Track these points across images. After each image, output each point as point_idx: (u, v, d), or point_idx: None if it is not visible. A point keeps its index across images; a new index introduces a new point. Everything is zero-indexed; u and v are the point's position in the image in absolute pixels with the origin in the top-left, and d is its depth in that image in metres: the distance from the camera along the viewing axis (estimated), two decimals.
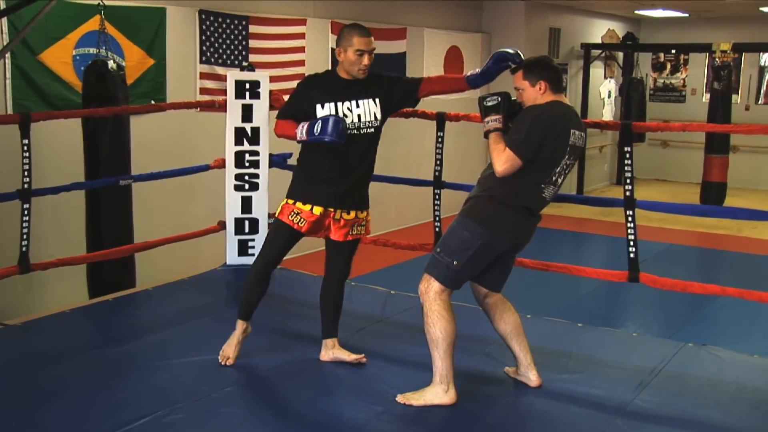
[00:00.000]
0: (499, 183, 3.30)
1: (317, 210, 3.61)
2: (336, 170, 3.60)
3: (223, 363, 3.70)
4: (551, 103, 3.32)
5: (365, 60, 3.54)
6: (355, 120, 3.57)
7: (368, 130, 3.61)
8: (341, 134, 3.46)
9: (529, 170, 3.26)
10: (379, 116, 3.63)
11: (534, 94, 3.35)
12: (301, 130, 3.54)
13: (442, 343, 3.27)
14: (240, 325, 3.77)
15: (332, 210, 3.64)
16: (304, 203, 3.63)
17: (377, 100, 3.62)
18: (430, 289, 3.31)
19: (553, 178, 3.32)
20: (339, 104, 3.56)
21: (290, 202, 3.67)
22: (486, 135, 3.38)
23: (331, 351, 3.80)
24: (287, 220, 3.65)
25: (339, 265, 3.78)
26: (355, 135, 3.58)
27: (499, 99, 3.42)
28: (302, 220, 3.62)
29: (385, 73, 3.74)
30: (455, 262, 3.28)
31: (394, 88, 3.69)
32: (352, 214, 3.69)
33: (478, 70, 3.60)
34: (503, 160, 3.23)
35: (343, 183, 3.62)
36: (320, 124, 3.48)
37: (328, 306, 3.81)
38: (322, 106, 3.57)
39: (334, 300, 3.80)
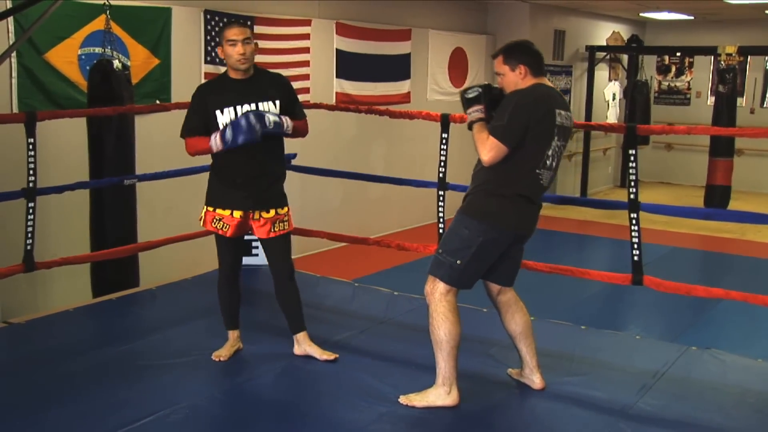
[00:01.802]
0: (493, 175, 3.26)
1: (237, 213, 3.65)
2: (248, 173, 3.62)
3: (216, 360, 3.76)
4: (532, 85, 3.28)
5: (238, 48, 3.54)
6: None
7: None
8: (253, 130, 3.46)
9: (521, 157, 3.21)
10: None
11: (514, 78, 3.31)
12: (215, 141, 3.56)
13: (446, 345, 3.26)
14: (232, 334, 3.86)
15: (251, 212, 3.67)
16: (223, 209, 3.66)
17: (277, 103, 3.64)
18: (436, 290, 3.29)
19: (547, 162, 3.27)
20: (237, 107, 3.58)
21: (210, 209, 3.70)
22: (470, 127, 3.36)
23: (303, 346, 3.83)
24: (212, 227, 3.71)
25: (279, 263, 3.80)
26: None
27: (480, 90, 3.40)
28: (225, 225, 3.67)
29: (290, 84, 3.78)
30: (458, 261, 3.26)
31: (290, 102, 3.73)
32: (272, 212, 3.71)
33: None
34: (488, 149, 3.20)
35: (257, 184, 3.65)
36: (231, 129, 3.49)
37: (285, 303, 3.85)
38: (222, 112, 3.58)
39: (288, 296, 3.83)
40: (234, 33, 3.56)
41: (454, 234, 3.32)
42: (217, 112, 3.58)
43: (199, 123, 3.65)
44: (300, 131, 3.75)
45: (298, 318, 3.84)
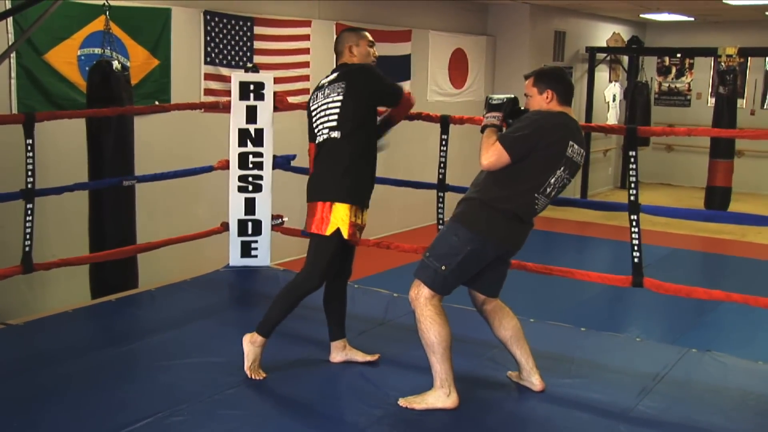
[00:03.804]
0: (492, 186, 3.27)
1: (366, 218, 3.65)
2: (373, 171, 3.69)
3: (259, 378, 3.59)
4: (556, 112, 3.32)
5: (374, 50, 3.75)
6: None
7: None
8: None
9: (522, 176, 3.23)
10: None
11: (540, 102, 3.35)
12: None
13: (438, 347, 3.26)
14: (263, 341, 3.62)
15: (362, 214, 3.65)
16: (362, 209, 3.60)
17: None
18: (420, 296, 3.30)
19: (547, 190, 3.29)
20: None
21: (351, 217, 3.52)
22: (482, 130, 3.39)
23: (342, 352, 3.79)
24: (353, 238, 3.58)
25: (348, 268, 3.79)
26: None
27: (505, 100, 3.47)
28: (357, 232, 3.62)
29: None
30: (443, 267, 3.26)
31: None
32: (366, 214, 3.69)
33: None
34: (490, 153, 3.21)
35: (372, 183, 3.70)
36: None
37: (334, 307, 3.79)
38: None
39: (340, 301, 3.79)
40: (371, 36, 3.76)
41: (444, 240, 3.34)
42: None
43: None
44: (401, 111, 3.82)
45: (342, 324, 3.80)
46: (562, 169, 3.28)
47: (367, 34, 3.77)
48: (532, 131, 3.22)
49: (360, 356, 3.78)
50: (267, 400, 3.50)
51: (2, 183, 4.68)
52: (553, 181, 3.28)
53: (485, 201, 3.28)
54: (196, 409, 3.27)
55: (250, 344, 3.59)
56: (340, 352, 3.79)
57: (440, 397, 3.30)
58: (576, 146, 3.30)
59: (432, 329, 3.26)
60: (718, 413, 3.42)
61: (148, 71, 6.58)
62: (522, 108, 3.48)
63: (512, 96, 3.49)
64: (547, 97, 3.34)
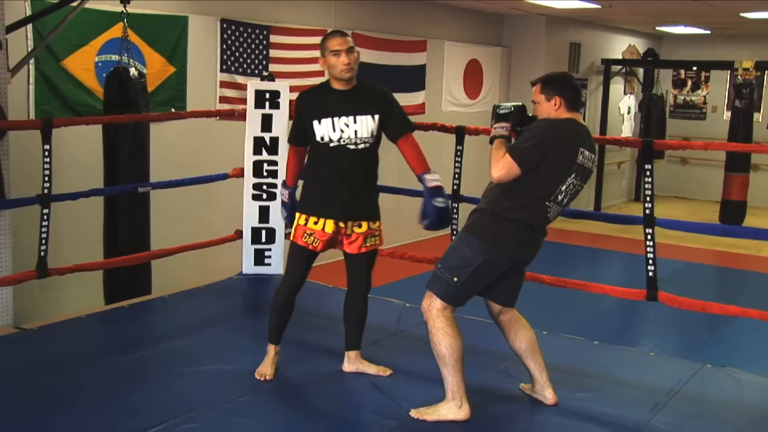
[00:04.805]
0: (503, 197, 3.25)
1: (329, 228, 3.59)
2: (339, 184, 3.57)
3: (261, 379, 3.67)
4: (564, 119, 3.29)
5: (343, 59, 3.50)
6: (351, 135, 3.54)
7: (365, 145, 3.58)
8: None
9: (533, 185, 3.21)
10: (375, 133, 3.60)
11: (548, 109, 3.32)
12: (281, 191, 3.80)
13: (449, 359, 3.24)
14: (273, 349, 3.75)
15: (343, 225, 3.62)
16: (317, 218, 3.59)
17: (376, 117, 3.58)
18: (432, 307, 3.29)
19: (559, 198, 3.26)
20: (335, 119, 3.54)
21: (302, 222, 3.63)
22: (491, 141, 3.36)
23: (354, 363, 3.79)
24: (302, 242, 3.63)
25: (359, 280, 3.75)
26: (352, 149, 3.55)
27: (512, 109, 3.42)
28: (316, 240, 3.60)
29: (392, 98, 3.69)
30: (455, 279, 3.25)
31: (390, 118, 3.64)
32: (364, 226, 3.66)
33: (428, 192, 3.67)
34: (500, 166, 3.19)
35: (350, 196, 3.59)
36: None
37: (351, 318, 3.80)
38: (319, 122, 3.54)
39: (358, 314, 3.79)
40: (338, 43, 3.52)
41: (455, 251, 3.32)
42: (315, 122, 3.55)
43: (297, 131, 3.69)
44: (411, 157, 3.69)
45: (358, 335, 3.80)
46: (573, 176, 3.25)
47: (335, 40, 3.54)
48: (542, 141, 3.19)
49: (372, 369, 3.77)
50: (279, 409, 3.50)
51: (19, 188, 4.71)
52: (564, 188, 3.25)
53: (496, 212, 3.26)
54: (208, 417, 3.27)
55: (268, 350, 3.74)
56: (352, 363, 3.80)
57: (452, 408, 3.28)
58: (587, 152, 3.28)
59: (443, 341, 3.24)
60: (732, 430, 3.39)
61: (164, 78, 6.61)
62: (530, 115, 3.44)
63: (520, 104, 3.45)
64: (555, 104, 3.30)
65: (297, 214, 3.68)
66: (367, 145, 3.58)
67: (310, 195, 3.66)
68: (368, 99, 3.60)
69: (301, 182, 3.79)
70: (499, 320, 3.52)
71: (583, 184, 3.35)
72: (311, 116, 3.56)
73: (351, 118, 3.54)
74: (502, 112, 3.43)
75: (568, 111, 3.31)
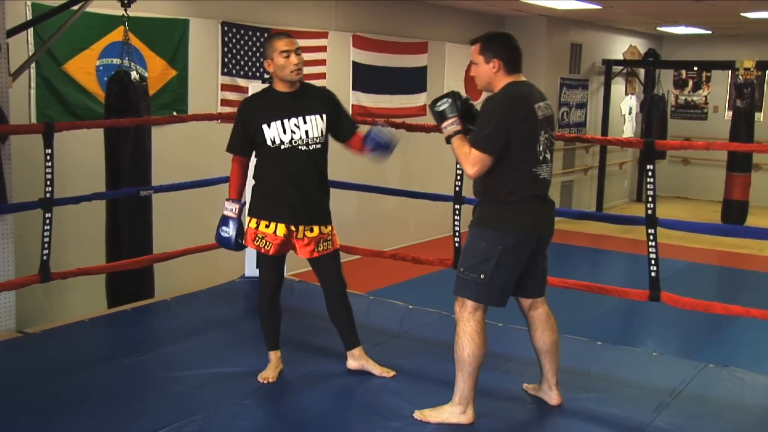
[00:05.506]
0: (491, 186, 3.20)
1: (281, 231, 3.57)
2: (292, 187, 3.55)
3: (263, 381, 3.67)
4: (506, 86, 3.20)
5: (293, 59, 3.52)
6: (303, 136, 3.54)
7: (316, 146, 3.57)
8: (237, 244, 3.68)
9: (512, 161, 3.14)
10: (325, 132, 3.61)
11: (487, 70, 3.24)
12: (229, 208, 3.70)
13: (467, 366, 3.22)
14: (273, 355, 3.75)
15: (294, 229, 3.60)
16: (269, 221, 3.58)
17: (324, 117, 3.60)
18: (465, 309, 3.23)
19: (540, 157, 3.19)
20: (285, 121, 3.53)
21: (252, 225, 3.62)
22: (448, 141, 3.26)
23: (359, 360, 3.79)
24: (253, 245, 3.64)
25: (331, 280, 3.73)
26: (304, 151, 3.54)
27: (449, 100, 3.28)
28: (268, 243, 3.59)
29: (336, 98, 3.74)
30: (482, 276, 3.18)
31: (339, 116, 3.67)
32: (316, 230, 3.63)
33: (366, 142, 3.62)
34: (472, 163, 3.13)
35: (301, 200, 3.57)
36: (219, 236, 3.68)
37: (338, 320, 3.79)
38: (269, 126, 3.53)
39: (340, 312, 3.77)
40: (287, 44, 3.53)
41: (472, 249, 3.25)
42: (264, 126, 3.53)
43: (241, 140, 3.64)
44: (355, 143, 3.69)
45: (351, 333, 3.79)
46: (542, 132, 3.20)
47: (283, 40, 3.55)
48: (498, 120, 3.11)
49: (377, 369, 3.76)
50: (282, 411, 3.50)
51: (21, 192, 4.72)
52: (541, 148, 3.19)
53: (495, 201, 3.21)
54: (212, 419, 3.27)
55: (269, 357, 3.76)
56: (356, 360, 3.80)
57: (456, 412, 3.27)
58: (541, 104, 3.22)
59: (467, 348, 3.20)
60: (736, 430, 3.39)
61: (165, 82, 6.62)
62: (467, 97, 3.33)
63: (450, 92, 3.32)
64: (494, 67, 3.22)
65: (247, 218, 3.67)
66: (319, 146, 3.58)
67: (261, 199, 3.63)
68: (315, 99, 3.63)
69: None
70: (528, 315, 3.46)
71: (554, 132, 3.30)
72: (260, 121, 3.55)
73: (300, 118, 3.54)
74: (441, 108, 3.27)
75: (508, 74, 3.23)
